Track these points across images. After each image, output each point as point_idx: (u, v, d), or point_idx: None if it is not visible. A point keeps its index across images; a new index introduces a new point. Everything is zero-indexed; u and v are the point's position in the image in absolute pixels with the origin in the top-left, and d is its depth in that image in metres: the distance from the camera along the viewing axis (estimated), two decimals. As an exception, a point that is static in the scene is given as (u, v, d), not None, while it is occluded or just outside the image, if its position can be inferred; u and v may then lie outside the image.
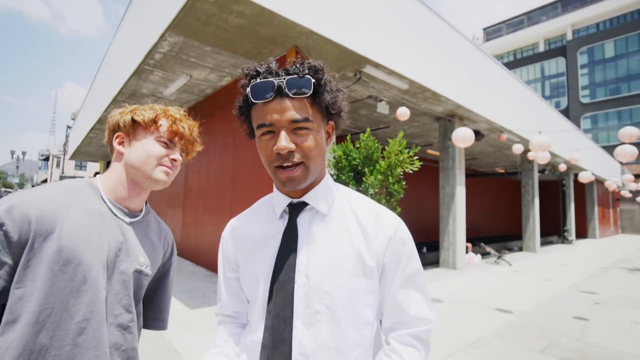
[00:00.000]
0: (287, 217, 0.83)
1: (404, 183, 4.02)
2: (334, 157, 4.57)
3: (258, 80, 0.73)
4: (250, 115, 0.79)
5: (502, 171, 17.08)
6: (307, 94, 0.72)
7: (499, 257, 9.62)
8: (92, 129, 10.96)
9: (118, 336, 0.85)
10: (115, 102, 7.87)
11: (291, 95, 0.71)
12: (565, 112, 41.99)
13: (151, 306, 1.04)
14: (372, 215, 0.82)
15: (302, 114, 0.72)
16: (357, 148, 4.34)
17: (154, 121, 0.94)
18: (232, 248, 0.89)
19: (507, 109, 9.59)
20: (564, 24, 47.21)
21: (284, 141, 0.71)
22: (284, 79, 0.71)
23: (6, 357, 0.71)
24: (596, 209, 20.60)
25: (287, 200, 0.82)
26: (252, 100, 0.73)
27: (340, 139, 5.56)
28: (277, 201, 0.85)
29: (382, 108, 7.22)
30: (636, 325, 4.45)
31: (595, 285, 7.02)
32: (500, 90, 9.46)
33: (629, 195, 20.55)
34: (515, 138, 10.14)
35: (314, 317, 0.73)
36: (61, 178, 20.98)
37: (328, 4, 4.84)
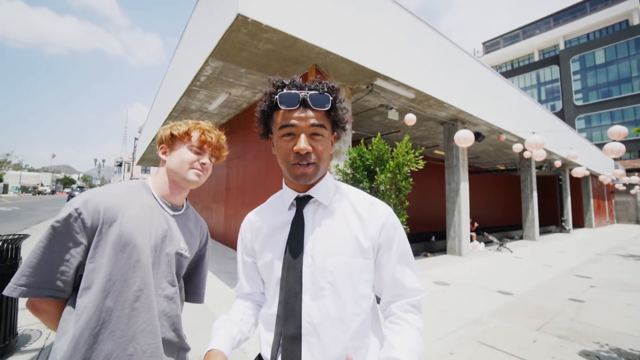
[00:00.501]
0: (294, 208, 0.85)
1: (412, 180, 3.92)
2: (350, 158, 4.51)
3: (285, 90, 0.78)
4: (272, 119, 0.83)
5: (503, 168, 16.33)
6: (326, 108, 0.77)
7: (501, 245, 9.20)
8: (153, 139, 11.43)
9: (165, 305, 0.91)
10: (170, 117, 8.16)
11: (313, 107, 0.76)
12: (561, 114, 39.79)
13: (191, 283, 1.10)
14: (367, 205, 0.85)
15: (320, 122, 0.78)
16: (370, 150, 4.27)
17: (187, 133, 1.00)
18: (249, 237, 0.92)
19: (505, 113, 9.14)
20: (556, 36, 44.86)
21: (304, 143, 0.75)
22: (308, 93, 0.76)
23: (84, 315, 0.80)
24: (592, 200, 19.26)
25: (295, 194, 0.85)
26: (280, 106, 0.77)
27: (355, 143, 5.51)
28: (286, 195, 0.87)
29: (393, 115, 7.08)
30: (628, 307, 4.12)
31: (591, 270, 6.56)
32: (498, 96, 9.03)
33: (622, 188, 19.06)
34: (514, 138, 9.66)
35: (320, 292, 0.77)
36: (130, 180, 22.20)
37: (341, 28, 4.79)
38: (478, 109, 7.73)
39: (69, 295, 0.86)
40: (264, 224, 0.89)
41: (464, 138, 5.55)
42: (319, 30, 4.47)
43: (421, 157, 3.85)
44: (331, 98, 0.78)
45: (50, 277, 0.80)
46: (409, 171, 3.90)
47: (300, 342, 0.74)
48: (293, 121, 0.76)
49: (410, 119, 5.86)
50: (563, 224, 16.04)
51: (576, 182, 18.94)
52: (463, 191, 8.08)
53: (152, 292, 0.87)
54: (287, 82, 0.79)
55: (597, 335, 3.17)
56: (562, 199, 16.57)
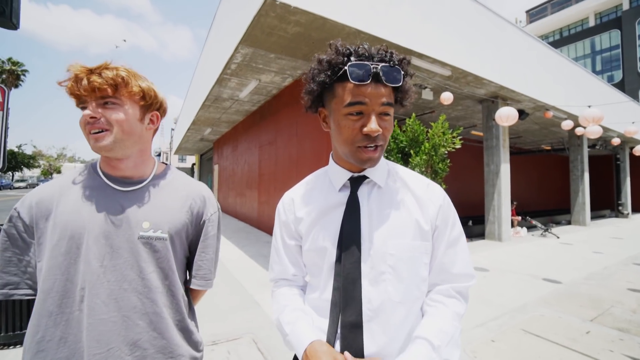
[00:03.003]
0: (347, 190, 0.79)
1: (449, 161, 3.74)
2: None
3: (353, 60, 0.67)
4: (331, 92, 0.72)
5: (549, 148, 15.10)
6: (397, 83, 0.69)
7: (546, 230, 8.61)
8: (188, 129, 11.91)
9: (135, 300, 0.75)
10: (204, 107, 8.42)
11: (385, 83, 0.68)
12: (620, 85, 35.60)
13: (193, 265, 0.89)
14: (423, 186, 0.80)
15: (389, 100, 0.70)
16: (404, 131, 4.12)
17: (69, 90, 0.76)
18: (292, 218, 0.84)
19: (553, 87, 8.33)
20: (619, -5, 39.45)
21: (376, 124, 0.68)
22: (379, 65, 0.67)
23: (32, 321, 0.73)
24: (654, 182, 17.33)
25: (348, 174, 0.79)
26: (351, 79, 0.66)
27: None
28: (336, 175, 0.81)
29: (427, 94, 6.74)
30: (702, 299, 3.70)
31: (653, 257, 5.96)
32: (545, 68, 8.23)
33: (694, 167, 16.90)
34: (562, 115, 8.83)
35: (380, 276, 0.73)
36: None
37: (372, 5, 4.56)
38: (521, 84, 7.12)
39: None
40: (310, 205, 0.82)
41: (506, 116, 5.17)
42: (349, 9, 4.30)
43: (459, 137, 3.65)
44: (402, 73, 0.70)
45: (19, 279, 0.77)
46: (446, 152, 3.72)
47: (361, 329, 0.70)
48: (365, 99, 0.67)
49: (447, 97, 5.54)
50: (620, 207, 14.64)
51: (636, 162, 17.05)
52: (504, 173, 7.60)
53: (100, 289, 0.73)
54: (355, 50, 0.68)
55: (662, 328, 2.89)
56: (618, 180, 15.06)
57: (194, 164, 23.75)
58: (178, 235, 0.83)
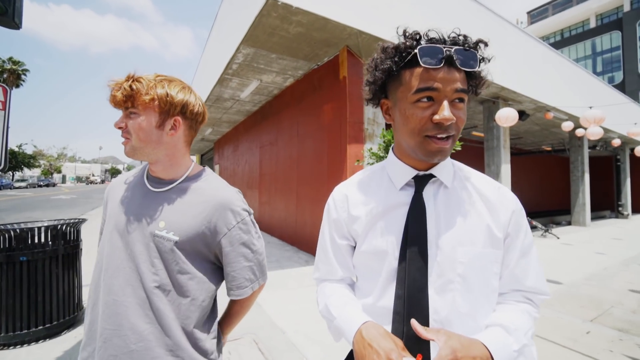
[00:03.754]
0: (409, 189, 0.73)
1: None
2: (384, 141, 4.38)
3: (423, 43, 0.63)
4: (398, 79, 0.67)
5: (549, 149, 15.10)
6: (473, 68, 0.62)
7: (546, 231, 8.61)
8: (189, 129, 11.90)
9: (145, 292, 0.79)
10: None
11: (459, 67, 0.62)
12: (621, 87, 35.59)
13: (225, 275, 0.90)
14: (493, 189, 0.73)
15: (464, 86, 0.63)
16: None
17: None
18: (344, 216, 0.78)
19: (553, 88, 8.34)
20: (620, -4, 39.53)
21: (449, 111, 0.61)
22: (452, 48, 0.61)
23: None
24: (655, 183, 17.33)
25: (412, 172, 0.72)
26: (422, 62, 0.61)
27: (389, 125, 5.34)
28: (397, 172, 0.74)
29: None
30: (703, 300, 3.70)
31: (654, 258, 5.96)
32: (546, 69, 8.24)
33: (695, 168, 16.91)
34: (563, 115, 8.83)
35: (447, 285, 0.67)
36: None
37: (374, 5, 4.57)
38: (522, 85, 7.13)
39: None
40: (368, 204, 0.75)
41: (506, 117, 5.17)
42: (350, 9, 4.31)
43: (460, 135, 3.65)
44: (479, 57, 0.63)
45: None
46: (448, 153, 3.72)
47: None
48: (436, 84, 0.61)
49: (448, 98, 5.54)
50: (620, 208, 14.63)
51: (636, 163, 17.04)
52: (504, 174, 7.60)
53: (120, 274, 0.80)
54: (424, 33, 0.64)
55: (662, 329, 2.89)
56: (619, 181, 15.06)
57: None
58: (191, 240, 0.82)
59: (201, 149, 18.56)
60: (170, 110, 0.82)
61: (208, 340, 0.86)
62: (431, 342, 0.64)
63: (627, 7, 39.26)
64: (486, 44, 0.65)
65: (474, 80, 0.67)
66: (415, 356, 0.59)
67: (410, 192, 0.72)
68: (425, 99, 0.63)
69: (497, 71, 6.44)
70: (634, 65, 36.57)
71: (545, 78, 8.09)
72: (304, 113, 6.29)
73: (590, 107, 6.26)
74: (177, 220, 0.82)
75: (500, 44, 6.79)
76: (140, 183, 0.89)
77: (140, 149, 0.82)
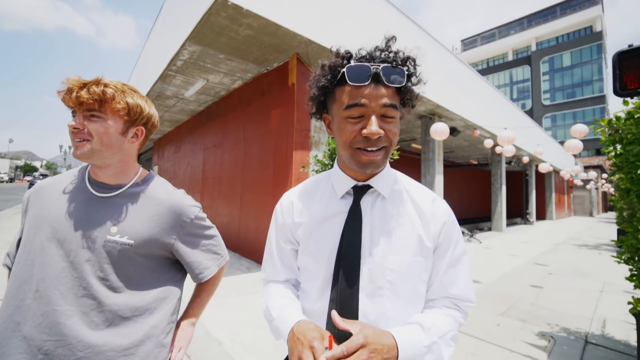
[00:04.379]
0: (349, 197, 0.76)
1: (389, 172, 4.00)
2: (329, 149, 4.52)
3: (352, 63, 0.66)
4: (333, 96, 0.71)
5: (475, 162, 17.01)
6: (401, 84, 0.66)
7: (471, 236, 9.65)
8: (124, 126, 10.85)
9: (93, 299, 0.79)
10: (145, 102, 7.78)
11: (385, 83, 0.65)
12: (530, 113, 41.84)
13: (189, 266, 0.95)
14: (429, 201, 0.77)
15: (392, 101, 0.66)
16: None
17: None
18: (289, 221, 0.81)
19: (480, 109, 9.48)
20: (529, 37, 46.98)
21: (376, 126, 0.64)
22: (380, 66, 0.64)
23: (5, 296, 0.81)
24: (553, 195, 20.58)
25: (352, 182, 0.75)
26: (349, 81, 0.65)
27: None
28: (339, 182, 0.77)
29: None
30: (579, 291, 4.48)
31: (550, 258, 7.05)
32: (474, 92, 9.33)
33: (580, 183, 20.54)
34: (486, 134, 10.05)
35: (377, 291, 0.70)
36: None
37: (324, 17, 4.73)
38: (455, 104, 7.96)
39: None
40: (310, 210, 0.78)
41: (440, 131, 5.71)
42: (302, 18, 4.39)
43: (397, 146, 3.92)
44: (407, 73, 0.66)
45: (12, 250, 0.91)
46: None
47: None
48: (363, 100, 0.64)
49: (390, 112, 5.94)
50: (527, 216, 17.06)
51: (540, 177, 20.13)
52: (438, 184, 8.35)
53: (61, 283, 0.77)
54: (355, 53, 0.67)
55: (552, 317, 3.43)
56: (527, 192, 17.58)
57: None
58: (147, 243, 0.85)
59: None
60: (137, 120, 0.86)
61: (165, 338, 0.88)
62: None
63: (534, 47, 46.59)
64: (414, 61, 0.68)
65: (406, 95, 0.70)
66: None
67: (350, 201, 0.75)
68: (354, 115, 0.66)
69: (434, 90, 7.11)
70: (539, 96, 43.33)
71: (473, 100, 9.15)
72: (251, 117, 6.17)
73: (505, 128, 7.23)
74: (131, 224, 0.84)
75: (438, 66, 7.51)
76: (80, 188, 0.86)
77: (99, 153, 0.81)
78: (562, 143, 23.75)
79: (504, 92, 43.28)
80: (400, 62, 0.67)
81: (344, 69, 0.66)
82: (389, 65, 0.65)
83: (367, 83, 0.64)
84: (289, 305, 0.75)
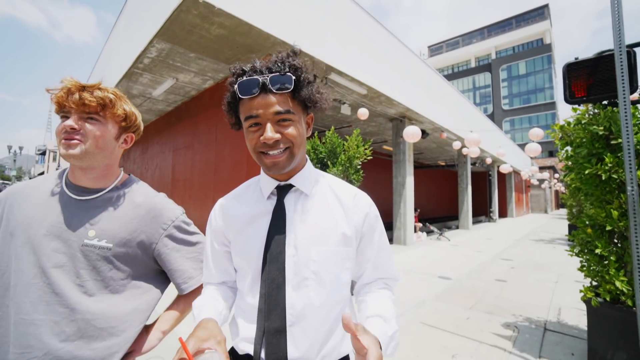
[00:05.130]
0: (274, 197, 0.81)
1: (362, 173, 4.07)
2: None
3: (244, 78, 0.70)
4: (238, 110, 0.76)
5: (443, 164, 17.79)
6: (288, 89, 0.70)
7: (441, 234, 10.05)
8: (85, 126, 10.15)
9: (66, 306, 0.76)
10: (107, 102, 7.34)
11: (274, 91, 0.69)
12: (491, 117, 44.54)
13: (172, 273, 0.93)
14: (351, 195, 0.83)
15: (284, 107, 0.70)
16: (323, 143, 4.33)
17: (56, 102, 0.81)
18: (221, 224, 0.85)
19: (447, 112, 9.93)
20: (490, 46, 50.09)
21: (270, 132, 0.69)
22: (268, 76, 0.69)
23: None
24: (513, 194, 22.02)
25: (275, 183, 0.80)
26: (240, 96, 0.70)
27: (310, 136, 5.53)
28: (264, 184, 0.82)
29: (345, 110, 7.23)
30: (538, 283, 4.82)
31: (512, 253, 7.52)
32: (441, 96, 9.76)
33: (536, 183, 22.22)
34: (453, 136, 10.55)
35: (303, 282, 0.74)
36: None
37: (298, 19, 4.73)
38: (423, 108, 8.28)
39: None
40: (239, 212, 0.83)
41: (412, 134, 5.91)
42: (276, 19, 4.36)
43: (370, 148, 4.01)
44: (294, 78, 0.71)
45: None
46: (360, 164, 4.05)
47: (285, 335, 0.71)
48: (255, 111, 0.70)
49: (363, 113, 6.05)
50: (491, 214, 18.10)
51: (502, 178, 21.45)
52: (409, 184, 8.63)
53: (31, 290, 0.74)
54: (247, 69, 0.72)
55: (515, 308, 3.66)
56: (490, 192, 18.66)
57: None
58: (126, 246, 0.84)
59: (100, 149, 15.97)
60: (130, 127, 0.89)
61: (138, 345, 0.86)
62: (288, 339, 0.71)
63: (494, 56, 49.71)
64: (299, 67, 0.72)
65: (303, 97, 0.73)
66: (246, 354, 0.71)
67: (275, 201, 0.80)
68: (253, 125, 0.72)
69: (404, 93, 7.35)
70: (499, 101, 46.23)
71: (440, 104, 9.56)
72: (223, 118, 6.01)
73: (471, 131, 7.63)
74: (110, 227, 0.82)
75: (407, 70, 7.77)
76: (57, 192, 0.84)
77: (91, 155, 0.81)
78: (520, 145, 25.55)
79: (467, 96, 45.72)
80: (287, 70, 0.71)
81: (236, 86, 0.71)
82: (276, 74, 0.70)
83: (256, 94, 0.69)
84: (207, 305, 0.78)
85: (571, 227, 9.95)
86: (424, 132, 9.34)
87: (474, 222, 16.57)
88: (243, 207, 0.84)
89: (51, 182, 0.87)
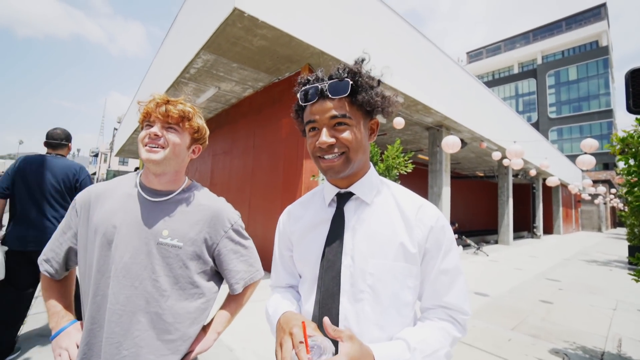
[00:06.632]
0: (335, 205, 0.82)
1: (399, 183, 4.02)
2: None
3: (306, 86, 0.76)
4: (302, 115, 0.82)
5: (482, 174, 16.92)
6: (344, 94, 0.72)
7: (478, 249, 9.54)
8: (135, 130, 11.06)
9: (142, 299, 0.84)
10: (155, 109, 7.93)
11: (331, 96, 0.72)
12: (536, 125, 41.66)
13: (227, 273, 1.00)
14: (414, 207, 0.78)
15: (340, 111, 0.72)
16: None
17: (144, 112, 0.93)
18: (288, 230, 0.89)
19: (487, 121, 9.49)
20: (535, 51, 47.17)
21: (324, 137, 0.72)
22: (326, 83, 0.73)
23: (82, 299, 0.92)
24: (561, 209, 20.34)
25: (335, 190, 0.82)
26: (302, 103, 0.76)
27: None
28: (327, 191, 0.84)
29: (381, 118, 7.18)
30: (591, 308, 4.41)
31: (559, 273, 6.95)
32: (481, 104, 9.37)
33: (588, 198, 20.31)
34: (494, 146, 10.04)
35: (358, 295, 0.72)
36: (107, 172, 21.34)
37: (337, 28, 4.83)
38: (462, 117, 7.99)
39: (59, 277, 0.97)
40: (303, 219, 0.86)
41: (452, 144, 5.73)
42: (315, 30, 4.49)
43: (410, 161, 3.96)
44: (351, 83, 0.72)
45: (53, 254, 0.95)
46: (398, 174, 4.00)
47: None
48: (313, 116, 0.74)
49: (399, 122, 5.97)
50: (534, 229, 16.84)
51: (547, 191, 19.93)
52: (445, 195, 8.32)
53: (115, 283, 0.83)
54: (311, 78, 0.77)
55: (564, 334, 3.37)
56: (534, 206, 17.41)
57: (137, 168, 21.84)
58: (193, 245, 0.92)
59: (146, 152, 17.21)
60: (200, 139, 1.00)
61: (195, 338, 0.92)
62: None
63: (539, 61, 46.76)
64: (357, 72, 0.74)
65: (362, 102, 0.74)
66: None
67: (334, 208, 0.81)
68: (311, 129, 0.76)
69: (442, 102, 7.16)
70: (545, 108, 43.22)
71: (480, 112, 9.18)
72: (261, 125, 6.25)
73: (515, 142, 7.23)
74: (180, 227, 0.91)
75: (446, 78, 7.58)
76: (134, 194, 0.93)
77: (169, 160, 0.90)
78: (569, 157, 23.67)
79: (509, 104, 43.30)
80: (346, 76, 0.73)
81: (298, 94, 0.77)
82: (335, 80, 0.73)
83: (315, 100, 0.74)
84: (282, 303, 0.81)
85: (632, 249, 8.97)
86: (462, 141, 8.99)
87: (515, 238, 15.51)
88: (307, 213, 0.87)
89: (127, 184, 0.96)
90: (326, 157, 0.74)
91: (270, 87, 6.02)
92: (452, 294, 0.74)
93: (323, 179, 4.81)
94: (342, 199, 0.81)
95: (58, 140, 2.48)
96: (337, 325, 0.70)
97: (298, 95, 0.77)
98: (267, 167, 5.92)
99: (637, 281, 2.26)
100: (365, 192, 0.80)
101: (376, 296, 0.71)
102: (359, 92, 0.74)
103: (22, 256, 2.17)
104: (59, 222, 2.16)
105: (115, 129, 23.77)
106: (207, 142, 1.05)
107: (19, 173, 2.23)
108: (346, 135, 0.73)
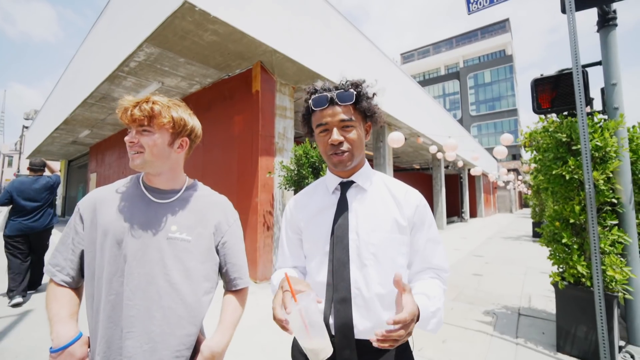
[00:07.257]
0: (338, 192, 0.97)
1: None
2: (295, 155, 4.67)
3: (317, 94, 0.91)
4: (310, 120, 0.97)
5: (418, 167, 18.53)
6: (351, 102, 0.89)
7: (417, 233, 10.49)
8: (56, 129, 9.67)
9: (155, 293, 0.86)
10: (85, 104, 7.09)
11: (340, 104, 0.89)
12: (460, 122, 46.89)
13: (230, 267, 1.03)
14: (402, 191, 0.97)
15: (347, 115, 0.89)
16: (315, 148, 4.51)
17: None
18: (295, 216, 1.03)
19: (423, 118, 10.45)
20: (458, 55, 52.82)
21: (336, 135, 0.89)
22: (335, 92, 0.89)
23: (87, 303, 0.91)
24: (482, 195, 23.32)
25: (339, 180, 0.98)
26: (313, 108, 0.91)
27: (300, 141, 5.69)
28: (330, 181, 1.00)
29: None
30: (509, 275, 5.29)
31: (484, 250, 8.08)
32: (417, 103, 10.28)
33: (502, 184, 23.72)
34: (428, 141, 11.11)
35: (364, 262, 0.88)
36: (17, 177, 18.15)
37: (288, 28, 4.91)
38: (402, 114, 8.70)
39: (76, 284, 0.94)
40: (309, 206, 1.01)
41: (397, 139, 6.25)
42: (268, 28, 4.51)
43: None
44: (355, 93, 0.89)
45: (65, 264, 0.92)
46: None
47: (350, 304, 0.84)
48: (325, 119, 0.89)
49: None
50: (463, 214, 19.07)
51: (472, 180, 22.68)
52: (389, 187, 8.99)
53: (130, 280, 0.85)
54: (318, 87, 0.93)
55: (492, 298, 4.03)
56: (462, 194, 19.69)
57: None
58: (201, 239, 0.96)
59: (70, 153, 15.07)
60: (181, 132, 0.96)
61: (199, 344, 0.93)
62: (353, 307, 0.84)
63: (461, 64, 52.45)
64: (359, 85, 0.92)
65: (363, 109, 0.92)
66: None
67: (338, 195, 0.97)
68: (323, 131, 0.92)
69: (384, 100, 7.71)
70: (467, 107, 48.74)
71: (416, 110, 10.07)
72: (211, 122, 6.04)
73: (449, 137, 8.13)
74: (187, 222, 0.95)
75: (386, 76, 8.16)
76: (138, 194, 0.95)
77: (150, 162, 0.91)
78: (486, 149, 27.18)
79: (439, 102, 47.95)
80: (350, 87, 0.91)
81: (310, 100, 0.93)
82: (341, 90, 0.90)
83: (326, 106, 0.90)
84: (287, 270, 0.94)
85: (535, 225, 10.79)
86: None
87: (448, 223, 17.39)
88: (312, 200, 1.02)
89: (130, 186, 0.98)
90: (337, 153, 0.90)
91: (219, 84, 5.84)
92: (437, 257, 0.95)
93: (280, 176, 4.89)
94: (345, 187, 0.97)
95: (38, 167, 3.93)
96: (350, 288, 0.85)
97: (310, 102, 0.92)
98: (219, 166, 5.77)
99: (542, 245, 2.84)
100: (363, 181, 0.97)
101: (378, 262, 0.88)
102: (361, 101, 0.92)
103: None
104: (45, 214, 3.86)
105: (25, 127, 20.35)
106: (197, 133, 1.02)
107: (15, 191, 3.69)
108: (352, 135, 0.91)
